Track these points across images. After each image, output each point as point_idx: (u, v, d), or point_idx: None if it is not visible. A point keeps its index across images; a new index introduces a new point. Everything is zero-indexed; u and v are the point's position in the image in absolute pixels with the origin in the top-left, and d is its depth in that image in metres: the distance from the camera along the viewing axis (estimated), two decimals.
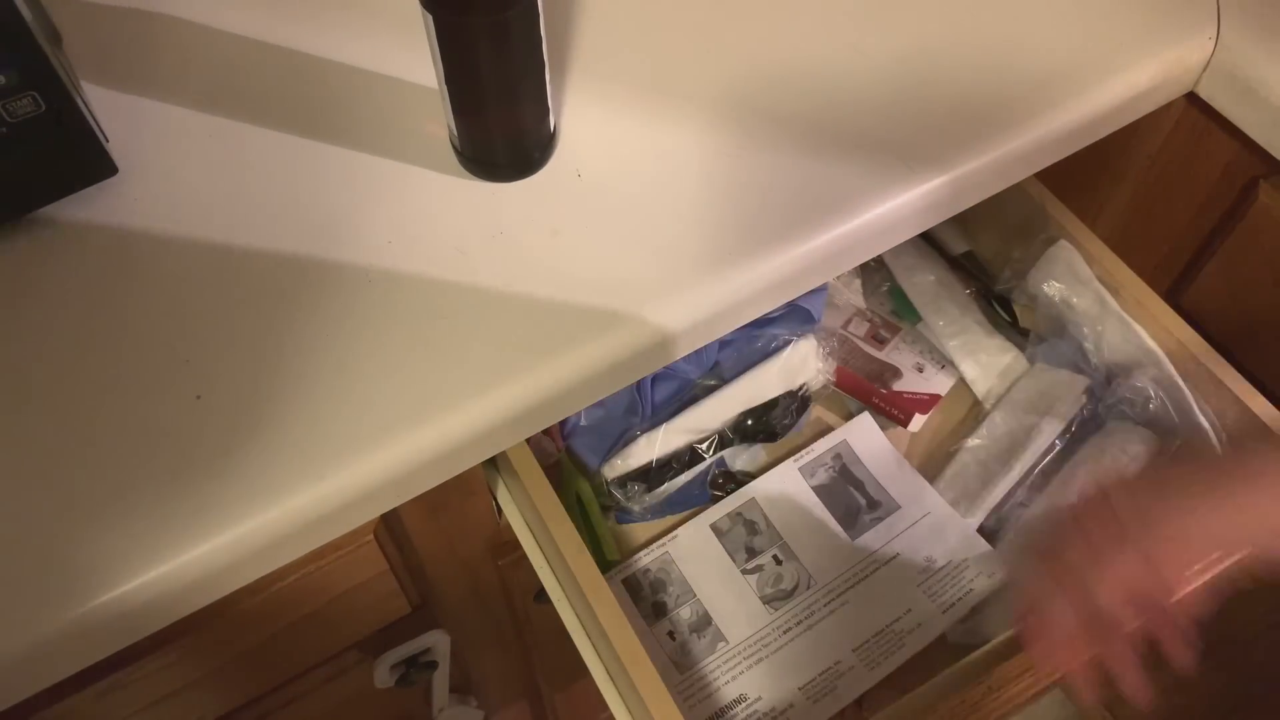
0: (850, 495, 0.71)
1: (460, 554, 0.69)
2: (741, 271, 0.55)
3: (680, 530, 0.70)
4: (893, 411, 0.72)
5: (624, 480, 0.70)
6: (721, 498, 0.71)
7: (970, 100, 0.62)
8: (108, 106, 0.59)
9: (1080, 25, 0.65)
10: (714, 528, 0.70)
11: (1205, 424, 0.66)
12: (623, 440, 0.70)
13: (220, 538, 0.46)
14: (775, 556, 0.68)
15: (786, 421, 0.72)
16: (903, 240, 0.62)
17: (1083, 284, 0.70)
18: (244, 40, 0.63)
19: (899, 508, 0.70)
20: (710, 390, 0.71)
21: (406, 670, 0.72)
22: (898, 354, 0.76)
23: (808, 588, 0.67)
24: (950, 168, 0.59)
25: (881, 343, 0.76)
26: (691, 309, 0.54)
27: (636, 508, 0.70)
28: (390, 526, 0.62)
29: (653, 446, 0.70)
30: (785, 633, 0.65)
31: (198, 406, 0.50)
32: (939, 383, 0.74)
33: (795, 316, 0.70)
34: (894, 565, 0.67)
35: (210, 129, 0.60)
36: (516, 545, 0.67)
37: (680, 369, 0.70)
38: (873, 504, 0.70)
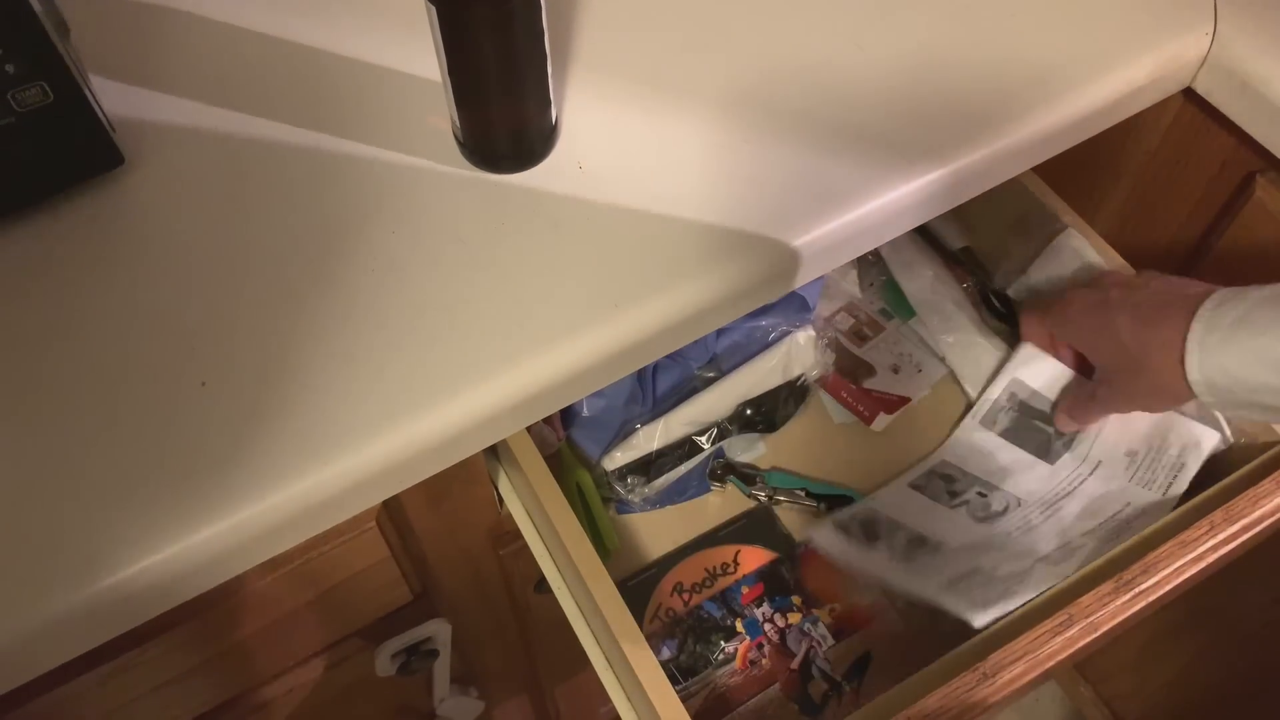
0: (1038, 429, 0.71)
1: (461, 543, 0.70)
2: (740, 262, 0.56)
3: (879, 492, 0.70)
4: (858, 408, 0.73)
5: (623, 472, 0.71)
6: (721, 489, 0.72)
7: (968, 94, 0.62)
8: (114, 98, 0.60)
9: (1078, 21, 0.66)
10: (912, 485, 0.70)
11: (1224, 426, 0.66)
12: (623, 432, 0.71)
13: (224, 522, 0.47)
14: (979, 492, 0.69)
15: (785, 412, 0.73)
16: (901, 233, 0.62)
17: (1090, 271, 0.70)
18: (249, 34, 0.64)
19: (1079, 430, 0.70)
20: (709, 382, 0.72)
21: (408, 659, 0.73)
22: (875, 353, 0.76)
23: (1019, 506, 0.67)
24: (948, 161, 0.60)
25: (862, 340, 0.77)
26: (691, 300, 0.55)
27: (636, 499, 0.71)
28: (392, 514, 0.63)
29: (652, 438, 0.71)
30: (1007, 535, 0.66)
31: (203, 393, 0.50)
32: (912, 386, 0.75)
33: (791, 304, 0.71)
34: (1100, 472, 0.68)
35: (215, 121, 0.60)
36: (517, 535, 0.67)
37: (682, 356, 0.70)
38: (1059, 432, 0.70)
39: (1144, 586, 0.55)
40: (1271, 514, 0.57)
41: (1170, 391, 0.58)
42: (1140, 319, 0.59)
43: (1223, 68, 0.67)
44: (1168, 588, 0.55)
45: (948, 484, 0.70)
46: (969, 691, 0.52)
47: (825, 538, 0.68)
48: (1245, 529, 0.57)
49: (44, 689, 0.54)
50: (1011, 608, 0.59)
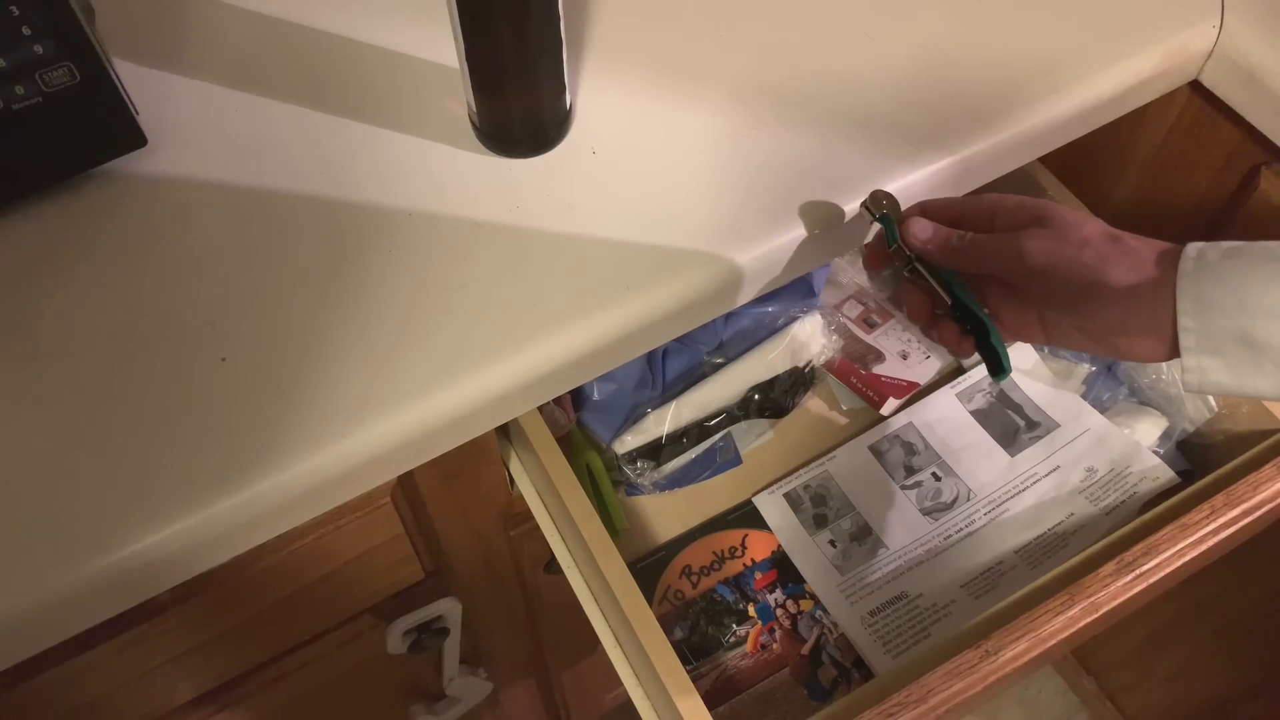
0: (1008, 417, 0.72)
1: (473, 522, 0.71)
2: (750, 248, 0.57)
3: (838, 451, 0.72)
4: (868, 393, 0.74)
5: (633, 456, 0.72)
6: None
7: (977, 84, 0.63)
8: (137, 81, 0.61)
9: (1085, 12, 0.67)
10: (873, 449, 0.72)
11: (1210, 399, 0.67)
12: (633, 416, 0.72)
13: (243, 494, 0.48)
14: (934, 473, 0.70)
15: (793, 397, 0.74)
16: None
17: None
18: (269, 19, 0.65)
19: (1058, 425, 0.71)
20: (719, 367, 0.72)
21: (419, 636, 0.74)
22: (885, 339, 0.77)
23: (968, 500, 0.69)
24: (956, 150, 0.61)
25: (871, 327, 0.78)
26: (700, 283, 0.56)
27: (646, 483, 0.72)
28: (406, 492, 0.64)
29: (662, 422, 0.72)
30: (946, 539, 0.67)
31: (223, 368, 0.51)
32: (920, 371, 0.76)
33: (797, 291, 0.72)
34: (1055, 476, 0.69)
35: (236, 104, 0.61)
36: (528, 516, 0.68)
37: (692, 341, 0.71)
38: (1031, 424, 0.71)
39: (1145, 568, 0.56)
40: (1272, 499, 0.58)
41: (1133, 329, 0.49)
42: (1114, 253, 0.50)
43: (1229, 60, 0.67)
44: (1168, 570, 0.56)
45: (908, 453, 0.71)
46: (972, 668, 0.53)
47: (773, 510, 0.70)
48: (1246, 513, 0.58)
49: (64, 657, 0.55)
50: (919, 654, 0.61)
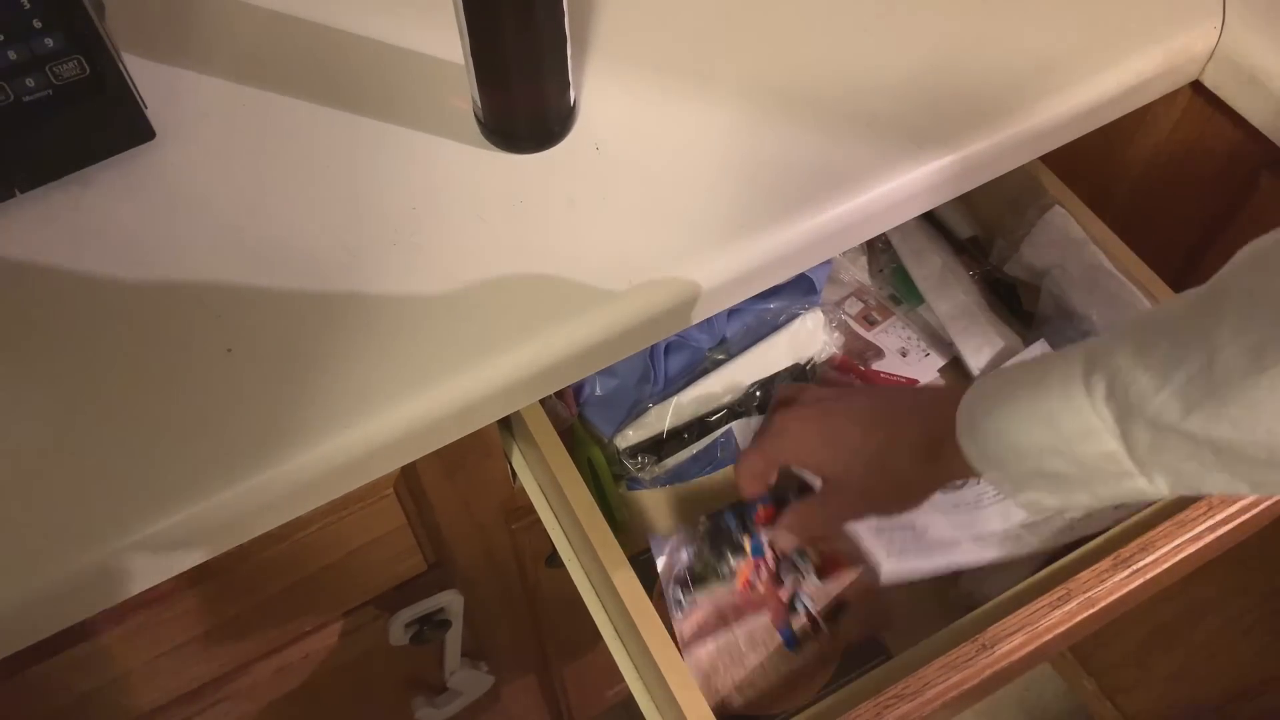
0: None
1: (475, 515, 0.71)
2: (752, 244, 0.57)
3: None
4: None
5: (635, 450, 0.72)
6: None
7: (978, 83, 0.64)
8: (145, 75, 0.61)
9: (1087, 12, 0.67)
10: None
11: None
12: (635, 411, 0.72)
13: (248, 482, 0.49)
14: None
15: None
16: (909, 218, 0.64)
17: (1076, 246, 0.72)
18: (275, 14, 0.66)
19: None
20: (720, 363, 0.73)
21: (421, 628, 0.75)
22: (885, 336, 0.77)
23: (976, 481, 0.66)
24: (957, 148, 0.61)
25: (872, 324, 0.78)
26: (701, 279, 0.56)
27: (647, 477, 0.72)
28: (410, 483, 0.64)
29: (664, 417, 0.72)
30: (954, 506, 0.66)
31: (229, 359, 0.52)
32: (920, 369, 0.76)
33: (798, 286, 0.72)
34: None
35: (243, 99, 0.62)
36: (529, 510, 0.69)
37: (693, 337, 0.72)
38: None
39: (1141, 564, 0.56)
40: (1269, 497, 0.58)
41: (915, 488, 0.56)
42: (875, 419, 0.57)
43: (1231, 61, 0.68)
44: (1165, 566, 0.57)
45: None
46: (968, 661, 0.53)
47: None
48: (1243, 510, 0.58)
49: (72, 642, 0.56)
50: (924, 567, 0.62)
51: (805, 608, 0.64)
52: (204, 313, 0.53)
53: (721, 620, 0.63)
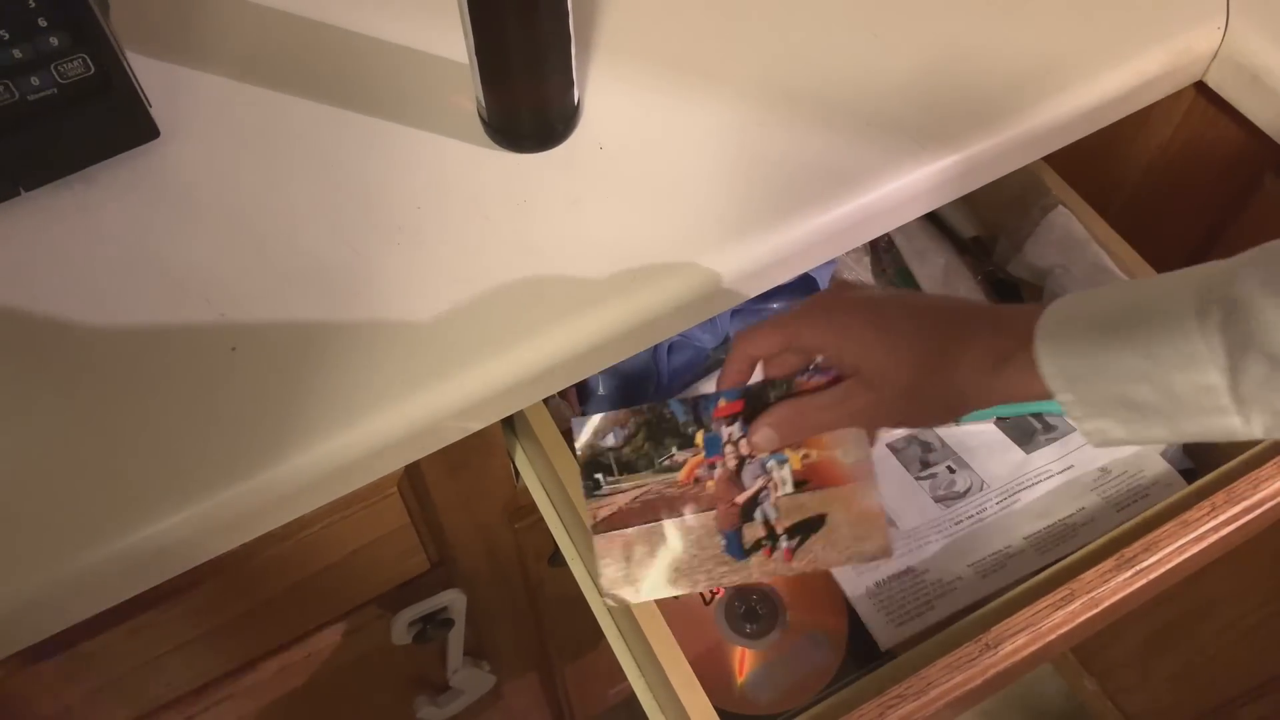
0: (1026, 421, 0.72)
1: (478, 514, 0.71)
2: (755, 243, 0.57)
3: None
4: None
5: None
6: None
7: (982, 83, 0.64)
8: (150, 73, 0.61)
9: (1090, 12, 0.67)
10: (889, 446, 0.71)
11: None
12: None
13: (252, 481, 0.49)
14: (949, 466, 0.70)
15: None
16: (913, 218, 0.64)
17: (1079, 247, 0.72)
18: (279, 13, 0.66)
19: (1074, 429, 0.71)
20: (722, 363, 0.73)
21: (423, 627, 0.75)
22: None
23: (980, 490, 0.68)
24: (961, 148, 0.61)
25: None
26: (705, 279, 0.57)
27: None
28: (413, 482, 0.64)
29: None
30: (956, 524, 0.67)
31: (233, 357, 0.52)
32: None
33: (801, 286, 0.72)
34: (1068, 474, 0.69)
35: (247, 98, 0.62)
36: (532, 509, 0.69)
37: (696, 337, 0.72)
38: (1048, 427, 0.71)
39: (1145, 564, 0.56)
40: (1272, 497, 0.58)
41: (968, 399, 0.51)
42: (937, 318, 0.52)
43: (1234, 62, 0.68)
44: (1169, 566, 0.57)
45: (924, 451, 0.72)
46: (972, 661, 0.53)
47: None
48: (1246, 510, 0.58)
49: (78, 638, 0.56)
50: (923, 627, 0.61)
51: (766, 517, 0.56)
52: (208, 311, 0.53)
53: (649, 511, 0.56)
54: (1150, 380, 0.43)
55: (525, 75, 0.56)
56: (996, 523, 0.67)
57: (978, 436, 0.72)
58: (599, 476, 0.55)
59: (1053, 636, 0.55)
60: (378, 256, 0.55)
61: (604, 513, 0.55)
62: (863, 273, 0.80)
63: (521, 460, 0.69)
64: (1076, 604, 0.55)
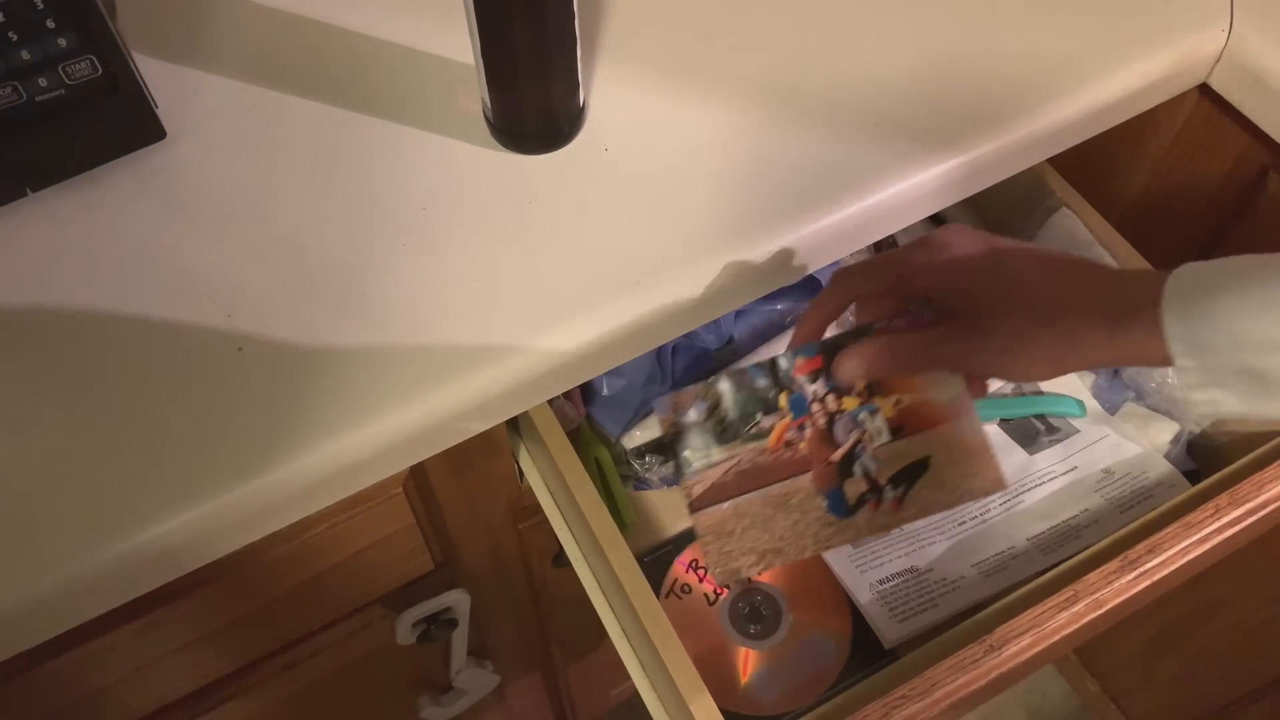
0: (1030, 422, 0.72)
1: (482, 515, 0.72)
2: (760, 245, 0.57)
3: None
4: None
5: (642, 451, 0.72)
6: None
7: (986, 85, 0.64)
8: (157, 75, 0.62)
9: (1094, 15, 0.67)
10: None
11: None
12: (642, 411, 0.72)
13: (258, 481, 0.49)
14: None
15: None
16: (917, 219, 0.64)
17: (1083, 249, 0.72)
18: (285, 15, 0.66)
19: (1078, 431, 0.71)
20: (727, 364, 0.73)
21: (428, 627, 0.75)
22: None
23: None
24: (965, 150, 0.61)
25: None
26: (710, 280, 0.57)
27: (654, 478, 0.72)
28: (418, 482, 0.65)
29: None
30: (960, 525, 0.66)
31: (240, 358, 0.52)
32: None
33: (806, 288, 0.72)
34: (1071, 475, 0.69)
35: (253, 99, 0.62)
36: (536, 510, 0.69)
37: (700, 338, 0.72)
38: (1051, 429, 0.72)
39: (1149, 566, 0.56)
40: (1276, 499, 0.59)
41: (1083, 355, 0.49)
42: (1061, 268, 0.50)
43: (1238, 64, 0.68)
44: (1173, 568, 0.57)
45: None
46: (976, 662, 0.53)
47: None
48: (1250, 513, 0.58)
49: (84, 639, 0.56)
50: (927, 624, 0.61)
51: (866, 470, 0.54)
52: (215, 312, 0.53)
53: (744, 482, 0.54)
54: None
55: (531, 77, 0.56)
56: (1000, 524, 0.67)
57: None
58: (687, 454, 0.53)
59: (1056, 638, 0.55)
60: (384, 258, 0.56)
61: (698, 490, 0.53)
62: None
63: (526, 461, 0.69)
64: (1080, 605, 0.55)
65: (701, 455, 0.54)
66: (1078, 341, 0.48)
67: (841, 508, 0.53)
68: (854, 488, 0.53)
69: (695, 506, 0.53)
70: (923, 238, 0.52)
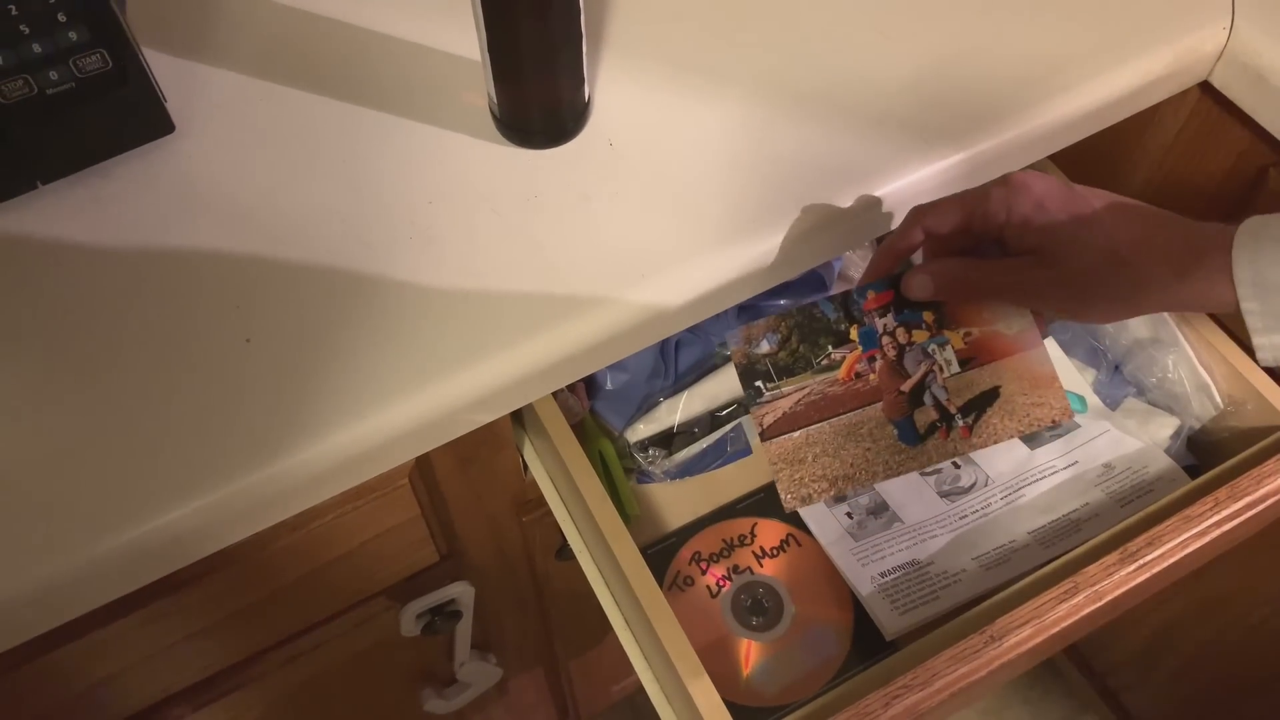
0: None
1: (487, 507, 0.72)
2: (764, 240, 0.58)
3: None
4: None
5: (645, 444, 0.73)
6: None
7: (988, 82, 0.64)
8: (165, 69, 0.62)
9: (1096, 12, 0.67)
10: None
11: (1215, 395, 0.68)
12: (646, 405, 0.73)
13: (265, 470, 0.49)
14: (954, 462, 0.69)
15: None
16: None
17: None
18: (292, 10, 0.67)
19: (1079, 426, 0.71)
20: (729, 359, 0.74)
21: (432, 619, 0.75)
22: None
23: (985, 485, 0.68)
24: (967, 146, 0.62)
25: None
26: (713, 275, 0.57)
27: (657, 471, 0.73)
28: (423, 474, 0.65)
29: (674, 411, 0.73)
30: (961, 519, 0.67)
31: (247, 349, 0.53)
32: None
33: (808, 283, 0.73)
34: (1072, 470, 0.69)
35: (261, 93, 0.63)
36: (540, 503, 0.70)
37: (704, 332, 0.73)
38: (1053, 424, 0.72)
39: (1148, 559, 0.57)
40: (1275, 493, 0.59)
41: (1148, 298, 0.52)
42: (1130, 212, 0.52)
43: (1239, 62, 0.68)
44: (1172, 561, 0.57)
45: None
46: (976, 653, 0.54)
47: None
48: (1249, 506, 0.58)
49: (93, 626, 0.57)
50: (928, 616, 0.62)
51: (936, 399, 0.56)
52: (223, 303, 0.54)
53: (815, 412, 0.56)
54: None
55: (537, 72, 0.57)
56: (1001, 518, 0.67)
57: None
58: (759, 384, 0.55)
59: (1056, 629, 0.55)
60: (390, 251, 0.56)
61: (769, 419, 0.54)
62: None
63: (530, 453, 0.69)
64: (1080, 597, 0.56)
65: (772, 387, 0.55)
66: (1148, 283, 0.50)
67: (912, 435, 0.55)
68: (924, 416, 0.55)
69: (766, 435, 0.54)
70: (1001, 177, 0.53)
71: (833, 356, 0.57)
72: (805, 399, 0.56)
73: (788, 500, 0.52)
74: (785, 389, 0.56)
